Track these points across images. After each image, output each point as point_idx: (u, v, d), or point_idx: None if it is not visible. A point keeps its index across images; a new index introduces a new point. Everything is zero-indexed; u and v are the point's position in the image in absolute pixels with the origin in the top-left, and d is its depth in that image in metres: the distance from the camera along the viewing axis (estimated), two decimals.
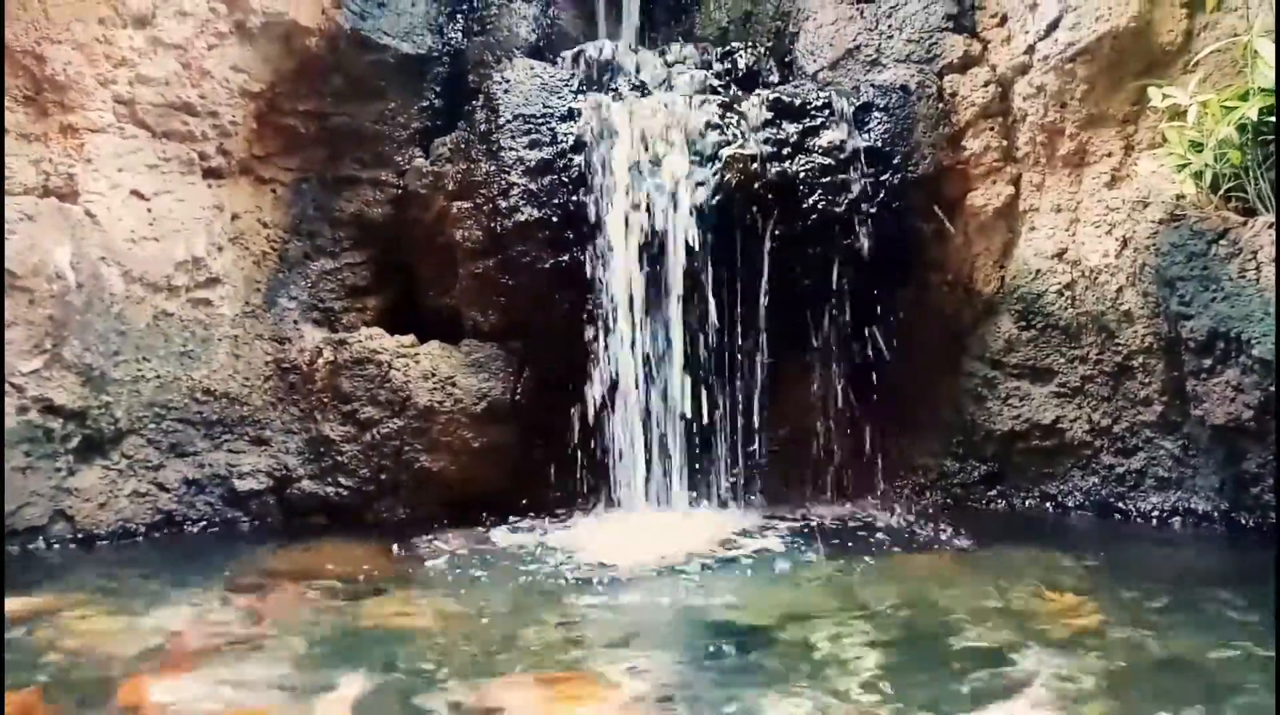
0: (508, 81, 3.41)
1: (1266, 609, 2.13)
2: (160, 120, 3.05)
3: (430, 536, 3.02)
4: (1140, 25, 3.02)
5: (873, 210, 3.30)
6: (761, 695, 1.73)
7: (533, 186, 3.28)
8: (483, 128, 3.40)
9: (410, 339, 3.43)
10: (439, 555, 2.82)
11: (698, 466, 3.41)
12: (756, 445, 3.47)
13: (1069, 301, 3.27)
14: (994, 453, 3.47)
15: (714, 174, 3.24)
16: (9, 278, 2.58)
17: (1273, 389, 2.57)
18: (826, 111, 3.32)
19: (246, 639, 2.03)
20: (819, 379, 3.53)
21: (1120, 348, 3.14)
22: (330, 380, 3.35)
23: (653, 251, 3.26)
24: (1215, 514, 2.96)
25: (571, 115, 3.33)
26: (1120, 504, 3.19)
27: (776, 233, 3.28)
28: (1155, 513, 3.11)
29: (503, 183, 3.30)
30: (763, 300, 3.32)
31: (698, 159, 3.27)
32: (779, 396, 3.51)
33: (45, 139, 2.85)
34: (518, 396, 3.42)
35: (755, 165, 3.24)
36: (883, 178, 3.31)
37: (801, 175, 3.27)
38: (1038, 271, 3.34)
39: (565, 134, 3.31)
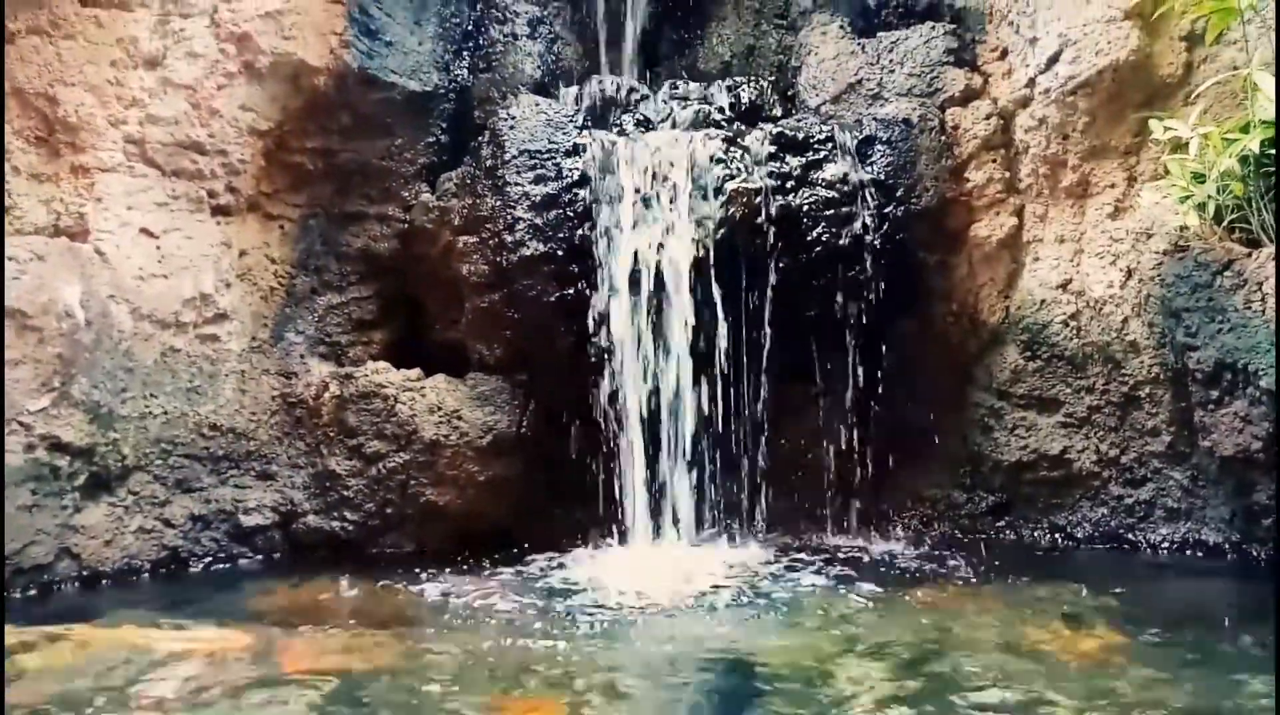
0: (513, 118, 3.44)
1: None
2: (170, 159, 3.08)
3: (435, 572, 3.01)
4: (1140, 59, 3.05)
5: (876, 242, 3.31)
6: None
7: (538, 221, 3.31)
8: (488, 163, 3.43)
9: (416, 373, 3.44)
10: (443, 591, 2.80)
11: (703, 498, 3.41)
12: (762, 477, 3.46)
13: (1074, 332, 3.27)
14: (1002, 483, 3.45)
15: (718, 208, 3.26)
16: (20, 318, 2.60)
17: None
18: (829, 145, 3.35)
19: (246, 683, 2.01)
20: (825, 410, 3.53)
21: (1127, 378, 3.14)
22: (336, 414, 3.35)
23: (658, 285, 3.27)
24: (1226, 546, 2.94)
25: (576, 150, 3.36)
26: (1130, 535, 3.17)
27: (781, 265, 3.30)
28: (1165, 544, 3.09)
29: (508, 217, 3.33)
30: (768, 332, 3.33)
31: (702, 193, 3.29)
32: (785, 427, 3.51)
33: (56, 179, 2.88)
34: (523, 429, 3.42)
35: (759, 199, 3.26)
36: (886, 210, 3.33)
37: (805, 208, 3.29)
38: (1042, 302, 3.34)
39: (570, 169, 3.34)
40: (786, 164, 3.34)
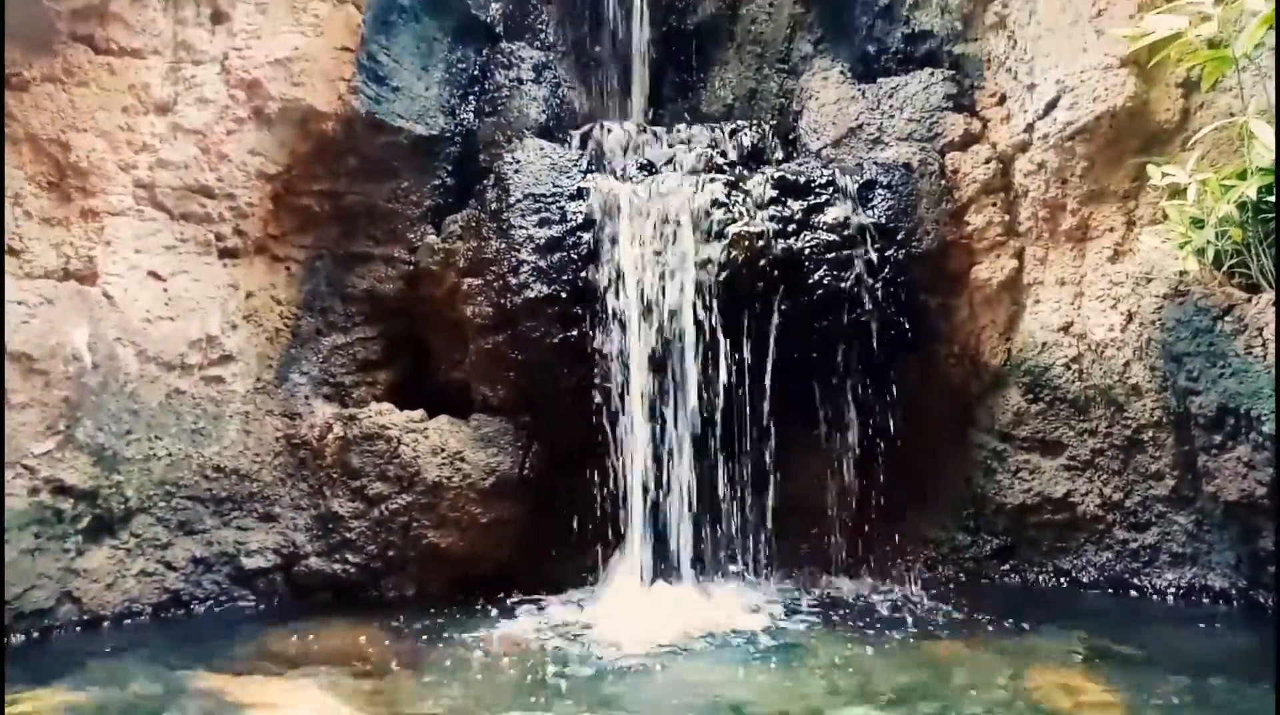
0: (518, 162, 3.49)
1: None
2: (179, 203, 3.12)
3: (436, 615, 2.99)
4: (1137, 105, 3.08)
5: (878, 285, 3.33)
6: None
7: (542, 263, 3.34)
8: (493, 206, 3.47)
9: (420, 414, 3.45)
10: (443, 636, 2.79)
11: (707, 541, 3.39)
12: (765, 519, 3.45)
13: (1076, 374, 3.27)
14: (1006, 526, 3.44)
15: (721, 251, 3.29)
16: (27, 361, 2.62)
17: None
18: (831, 189, 3.38)
19: None
20: (828, 452, 3.52)
21: (1129, 421, 3.13)
22: (340, 456, 3.36)
23: (660, 327, 3.29)
24: (1233, 591, 2.92)
25: (580, 194, 3.40)
26: (1135, 580, 3.15)
27: (783, 307, 3.31)
28: (1171, 590, 3.07)
29: (513, 260, 3.36)
30: (770, 374, 3.33)
31: (705, 236, 3.32)
32: (788, 469, 3.50)
33: (67, 223, 2.92)
34: (526, 471, 3.42)
35: (761, 242, 3.29)
36: (887, 253, 3.36)
37: (807, 251, 3.31)
38: (1044, 344, 3.35)
39: (574, 212, 3.37)
40: (788, 208, 3.37)
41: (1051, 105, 3.20)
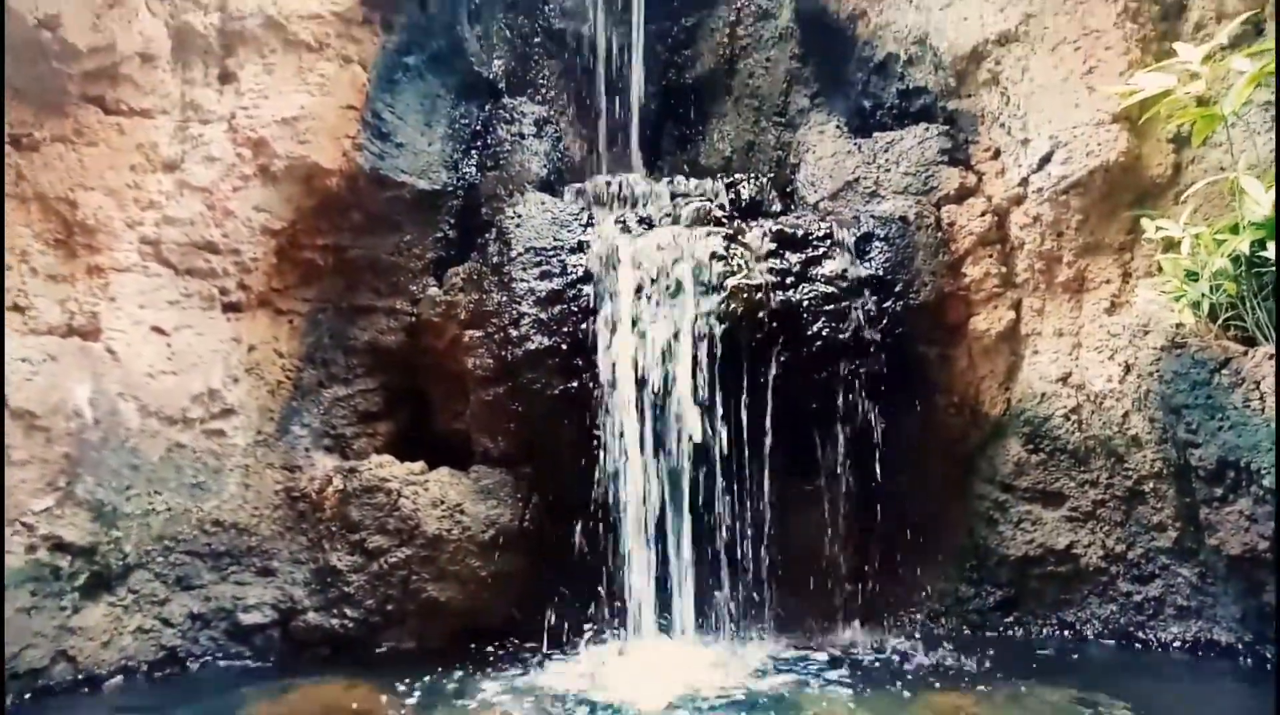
0: (519, 216, 3.53)
1: None
2: (184, 259, 3.15)
3: (436, 671, 2.96)
4: (1130, 160, 3.13)
5: (876, 336, 3.35)
6: None
7: (543, 316, 3.36)
8: (495, 260, 3.50)
9: (420, 466, 3.44)
10: (443, 692, 2.76)
11: (708, 594, 3.37)
12: (767, 571, 3.43)
13: (1076, 425, 3.27)
14: (1009, 578, 3.41)
15: (720, 303, 3.31)
16: (29, 418, 2.63)
17: None
18: (828, 242, 3.42)
19: None
20: (828, 503, 3.51)
21: (1130, 473, 3.13)
22: (339, 509, 3.35)
23: (660, 379, 3.30)
24: (1239, 646, 2.89)
25: (581, 248, 3.44)
26: (1140, 633, 3.12)
27: (782, 359, 3.33)
28: (1176, 643, 3.04)
29: (514, 312, 3.38)
30: (770, 426, 3.34)
31: (704, 289, 3.34)
32: (788, 521, 3.48)
33: (72, 279, 2.95)
34: (526, 523, 3.41)
35: (760, 295, 3.32)
36: (885, 304, 3.38)
37: (805, 304, 3.33)
38: (1043, 395, 3.36)
39: (575, 266, 3.40)
40: (786, 260, 3.40)
41: (1045, 160, 3.24)
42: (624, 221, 3.70)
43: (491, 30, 4.16)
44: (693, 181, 3.96)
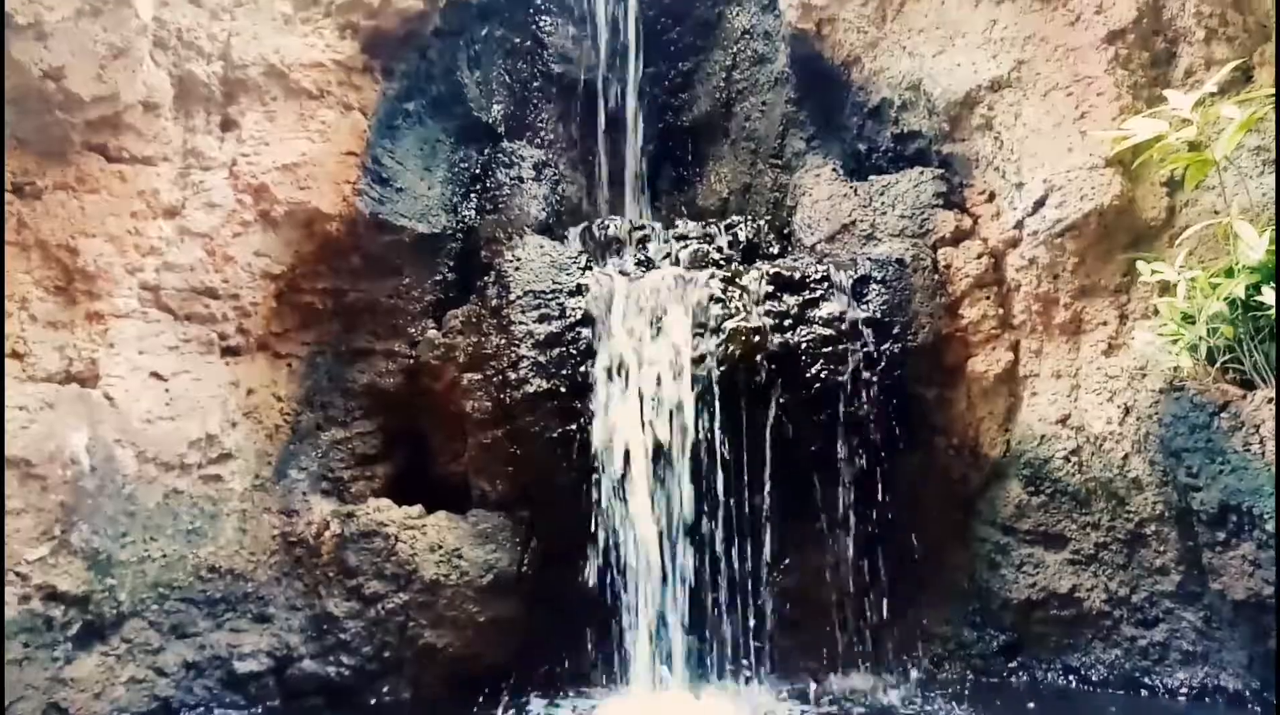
0: (518, 259, 3.55)
1: None
2: (183, 304, 3.16)
3: None
4: (1124, 203, 3.15)
5: (875, 378, 3.35)
6: None
7: (541, 358, 3.36)
8: (494, 302, 3.51)
9: (418, 510, 3.43)
10: None
11: (707, 639, 3.33)
12: (767, 616, 3.40)
13: (1076, 467, 3.26)
14: (1012, 622, 3.38)
15: (718, 346, 3.32)
16: (24, 467, 2.62)
17: None
18: (825, 284, 3.43)
19: None
20: (829, 546, 3.49)
21: (1132, 515, 3.11)
22: (336, 553, 3.33)
23: (659, 422, 3.29)
24: (1247, 693, 2.85)
25: (579, 290, 3.45)
26: (1146, 679, 3.08)
27: (781, 401, 3.32)
28: (1183, 690, 3.00)
29: (512, 355, 3.38)
30: (769, 468, 3.33)
31: (702, 331, 3.35)
32: (789, 565, 3.46)
33: (71, 326, 2.95)
34: (524, 568, 3.38)
35: (758, 337, 3.32)
36: (883, 346, 3.38)
37: (803, 346, 3.34)
38: (1042, 436, 3.35)
39: (573, 308, 3.41)
40: (784, 303, 3.41)
41: (1040, 203, 3.27)
42: (623, 263, 3.72)
43: (491, 76, 4.21)
44: (690, 223, 3.98)
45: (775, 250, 3.89)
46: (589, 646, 3.25)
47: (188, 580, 3.11)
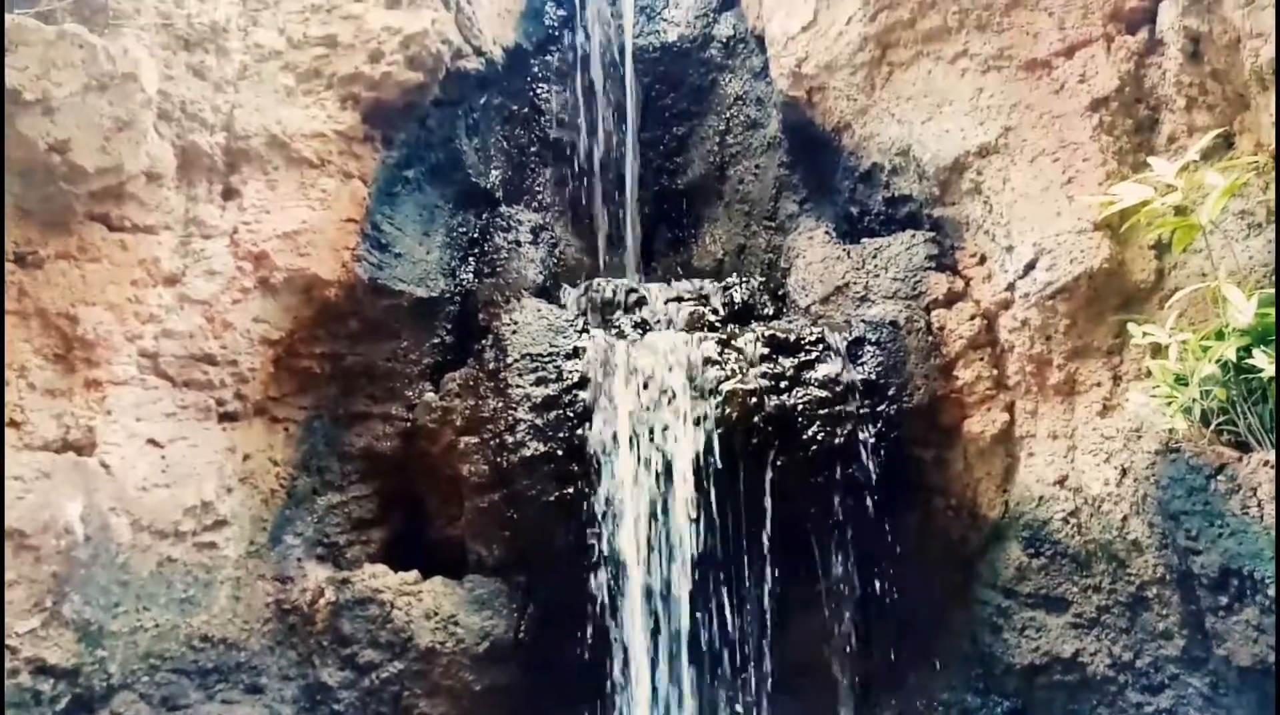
0: (515, 322, 3.58)
1: None
2: (182, 371, 3.17)
3: None
4: (1113, 266, 3.19)
5: (871, 440, 3.36)
6: None
7: (538, 422, 3.37)
8: (491, 366, 3.53)
9: (414, 576, 3.40)
10: None
11: (706, 705, 3.28)
12: (768, 680, 3.35)
13: (1075, 529, 3.25)
14: (1016, 687, 3.33)
15: (715, 408, 3.33)
16: (18, 537, 2.61)
17: None
18: (820, 346, 3.46)
19: None
20: (829, 608, 3.46)
21: (1133, 578, 3.09)
22: (331, 621, 3.29)
23: (656, 485, 3.29)
24: None
25: (576, 353, 3.47)
26: None
27: (778, 463, 3.33)
28: None
29: (509, 418, 3.39)
30: (767, 530, 3.31)
31: (698, 393, 3.36)
32: (790, 627, 3.43)
33: (69, 394, 2.96)
34: (521, 634, 3.34)
35: (754, 399, 3.34)
36: (879, 408, 3.40)
37: (800, 408, 3.35)
38: (1040, 498, 3.34)
39: (570, 371, 3.43)
40: (780, 364, 3.43)
41: (1030, 266, 3.31)
42: (619, 326, 3.75)
43: (489, 142, 4.29)
44: (686, 285, 4.03)
45: (770, 311, 3.93)
46: (588, 713, 3.19)
47: (180, 650, 3.06)
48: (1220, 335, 2.82)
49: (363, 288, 3.52)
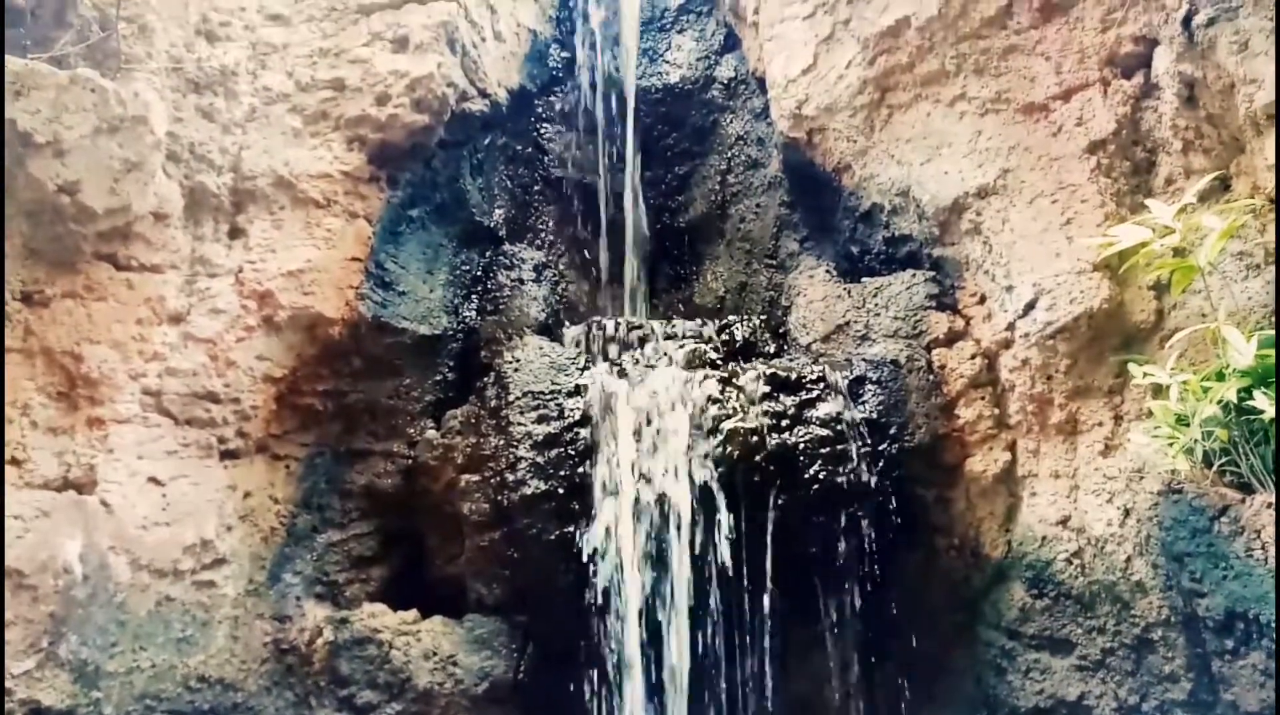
0: (517, 360, 3.59)
1: None
2: (184, 409, 3.19)
3: None
4: (1113, 306, 3.20)
5: (873, 479, 3.35)
6: None
7: (539, 460, 3.37)
8: (493, 403, 3.54)
9: (413, 615, 3.38)
10: None
11: None
12: None
13: (1079, 570, 3.22)
14: None
15: (716, 447, 3.33)
16: (17, 577, 2.60)
17: None
18: (822, 385, 3.46)
19: None
20: (832, 649, 3.43)
21: (1138, 619, 3.06)
22: (328, 661, 3.26)
23: (658, 523, 3.28)
24: None
25: (578, 391, 3.48)
26: None
27: (780, 502, 3.31)
28: None
29: (510, 456, 3.39)
30: (769, 570, 3.29)
31: (700, 432, 3.36)
32: (792, 668, 3.40)
33: (71, 431, 2.97)
34: (520, 675, 3.32)
35: (756, 438, 3.33)
36: (881, 447, 3.39)
37: (801, 447, 3.34)
38: (1044, 538, 3.32)
39: (572, 409, 3.44)
40: (781, 403, 3.43)
41: (1030, 306, 3.32)
42: (621, 364, 3.76)
43: (493, 181, 4.34)
44: (687, 322, 4.04)
45: (771, 349, 3.94)
46: None
47: (176, 691, 3.04)
48: (1221, 376, 2.83)
49: (366, 325, 3.54)
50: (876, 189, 3.89)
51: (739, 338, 3.96)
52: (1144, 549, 3.03)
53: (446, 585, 3.60)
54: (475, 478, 3.46)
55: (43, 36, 3.00)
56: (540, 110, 4.70)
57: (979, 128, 3.56)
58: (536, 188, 4.62)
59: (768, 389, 3.46)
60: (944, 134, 3.66)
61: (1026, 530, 3.38)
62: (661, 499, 3.30)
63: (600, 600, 3.23)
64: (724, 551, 3.26)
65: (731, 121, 4.81)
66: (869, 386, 3.48)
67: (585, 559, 3.25)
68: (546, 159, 4.70)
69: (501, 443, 3.44)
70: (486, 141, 4.25)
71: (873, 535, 3.32)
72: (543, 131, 4.71)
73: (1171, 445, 2.91)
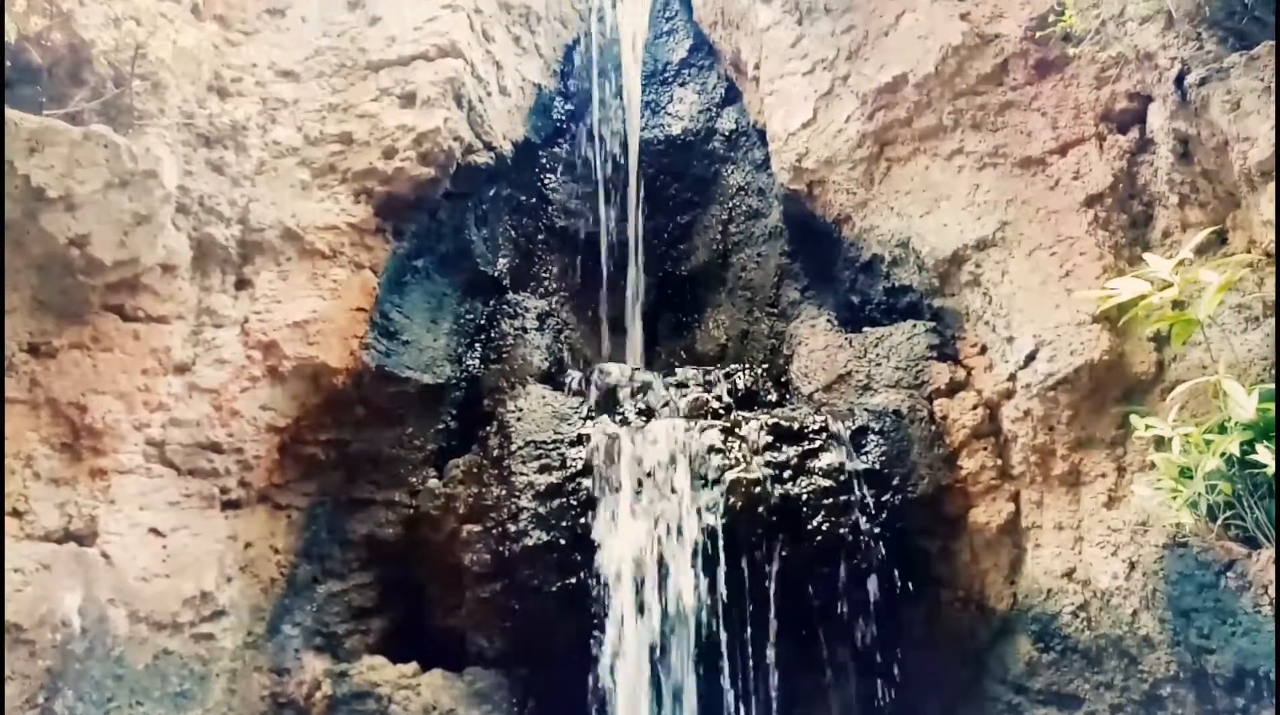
0: (520, 410, 3.60)
1: None
2: (187, 459, 3.19)
3: None
4: (1114, 358, 3.21)
5: (876, 530, 3.33)
6: None
7: (541, 510, 3.36)
8: (495, 453, 3.54)
9: (412, 668, 3.35)
10: None
11: None
12: None
13: (1085, 623, 3.20)
14: None
15: (719, 497, 3.32)
16: (15, 631, 2.58)
17: None
18: (824, 435, 3.46)
19: None
20: (835, 702, 3.38)
21: (1145, 675, 3.02)
22: None
23: (660, 574, 3.26)
24: None
25: (580, 441, 3.48)
26: None
27: (783, 553, 3.30)
28: None
29: (513, 506, 3.38)
30: (773, 622, 3.26)
31: (702, 482, 3.36)
32: None
33: (74, 482, 2.96)
34: None
35: (758, 488, 3.33)
36: (883, 497, 3.38)
37: (804, 497, 3.34)
38: (1049, 591, 3.29)
39: (574, 459, 3.44)
40: (783, 453, 3.43)
41: (1031, 357, 3.33)
42: (623, 412, 3.77)
43: (497, 231, 4.38)
44: (689, 371, 4.06)
45: (773, 398, 3.95)
46: None
47: None
48: (1223, 429, 2.82)
49: (370, 375, 3.55)
50: (876, 240, 3.93)
51: (741, 387, 3.97)
52: (1150, 603, 3.00)
53: (447, 636, 3.57)
54: (477, 528, 3.45)
55: (59, 93, 3.06)
56: (544, 161, 4.77)
57: (977, 181, 3.60)
58: (540, 237, 4.67)
59: (770, 438, 3.47)
60: (943, 187, 3.71)
61: (1032, 582, 3.36)
62: (664, 550, 3.28)
63: (602, 652, 3.20)
64: (727, 603, 3.23)
65: (733, 172, 4.87)
66: (871, 437, 3.48)
67: (587, 611, 3.22)
68: (550, 209, 4.75)
69: (503, 493, 3.43)
70: (491, 193, 4.30)
71: (876, 587, 3.30)
72: (547, 182, 4.77)
73: (1175, 498, 2.89)
